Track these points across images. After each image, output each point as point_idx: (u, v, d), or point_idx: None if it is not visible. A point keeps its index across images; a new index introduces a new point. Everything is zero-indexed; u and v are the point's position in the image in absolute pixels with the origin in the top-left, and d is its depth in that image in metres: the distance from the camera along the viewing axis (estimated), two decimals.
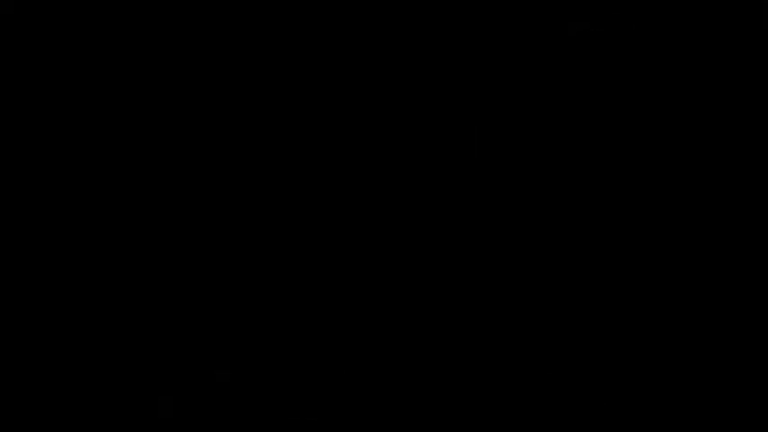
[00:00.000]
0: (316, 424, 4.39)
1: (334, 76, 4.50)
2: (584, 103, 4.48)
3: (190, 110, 4.46)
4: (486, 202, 4.45)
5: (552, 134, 4.48)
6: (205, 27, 4.47)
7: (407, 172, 4.47)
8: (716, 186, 4.42)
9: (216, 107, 4.47)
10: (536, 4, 4.48)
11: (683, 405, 4.36)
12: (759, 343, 4.37)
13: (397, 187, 4.47)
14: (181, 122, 4.45)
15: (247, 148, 4.46)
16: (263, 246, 4.44)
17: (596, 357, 4.39)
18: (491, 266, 4.44)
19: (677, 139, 4.45)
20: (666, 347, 4.39)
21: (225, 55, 4.47)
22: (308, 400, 4.41)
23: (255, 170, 4.46)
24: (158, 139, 4.44)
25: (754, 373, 4.35)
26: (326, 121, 4.49)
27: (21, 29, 4.45)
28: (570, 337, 4.41)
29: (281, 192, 4.46)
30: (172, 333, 4.41)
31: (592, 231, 4.43)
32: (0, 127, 4.42)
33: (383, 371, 4.41)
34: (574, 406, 4.38)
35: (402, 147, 4.48)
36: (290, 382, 4.42)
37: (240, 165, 4.46)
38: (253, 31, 4.49)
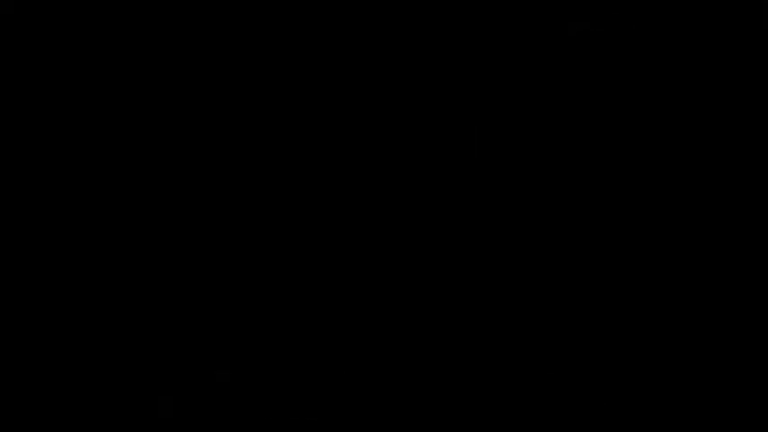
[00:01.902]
0: (316, 424, 4.39)
1: (334, 76, 4.50)
2: (584, 103, 4.48)
3: (190, 110, 4.46)
4: (485, 202, 4.45)
5: (552, 134, 4.48)
6: (205, 27, 4.47)
7: (408, 172, 4.47)
8: (716, 186, 4.42)
9: (216, 107, 4.47)
10: (536, 4, 4.48)
11: (682, 405, 4.36)
12: (759, 343, 4.37)
13: (398, 187, 4.47)
14: (181, 122, 4.45)
15: (247, 149, 4.46)
16: (262, 246, 4.44)
17: (596, 357, 4.39)
18: (491, 266, 4.44)
19: (677, 138, 4.45)
20: (666, 347, 4.39)
21: (225, 55, 4.47)
22: (308, 400, 4.41)
23: (255, 170, 4.46)
24: (158, 140, 4.44)
25: (754, 373, 4.36)
26: (327, 121, 4.49)
27: (21, 29, 4.45)
28: (570, 338, 4.41)
29: (280, 192, 4.46)
30: (172, 333, 4.41)
31: (592, 231, 4.43)
32: (0, 127, 4.42)
33: (383, 371, 4.41)
34: (574, 406, 4.38)
35: (402, 147, 4.48)
36: (289, 382, 4.42)
37: (240, 165, 4.46)
38: (253, 32, 4.49)
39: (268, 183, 4.45)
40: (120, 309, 4.40)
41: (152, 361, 4.40)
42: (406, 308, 4.42)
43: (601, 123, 4.47)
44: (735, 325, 4.38)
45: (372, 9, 4.49)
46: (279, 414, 4.40)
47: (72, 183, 4.41)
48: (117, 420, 4.36)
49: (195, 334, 4.42)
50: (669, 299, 4.40)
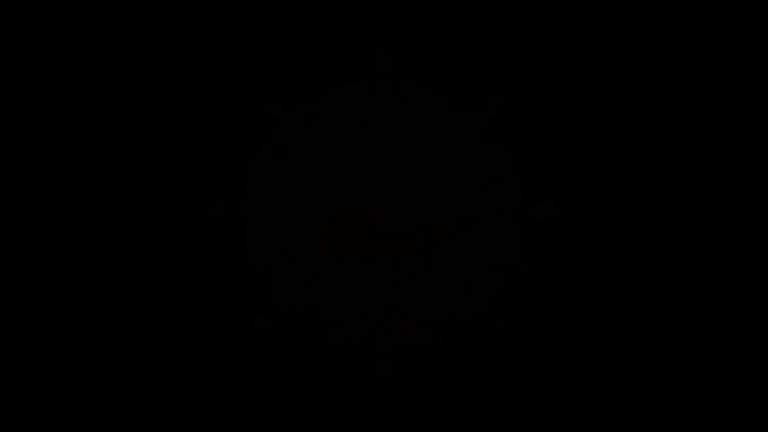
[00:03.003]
0: (316, 424, 4.39)
1: (334, 76, 4.50)
2: (584, 103, 4.48)
3: (190, 110, 4.46)
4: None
5: (552, 134, 4.48)
6: (205, 27, 4.47)
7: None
8: (716, 186, 4.43)
9: (215, 107, 4.47)
10: (536, 4, 4.48)
11: (683, 405, 4.36)
12: (759, 343, 4.37)
13: (398, 187, 4.47)
14: (181, 122, 4.45)
15: (246, 149, 4.47)
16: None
17: (597, 357, 4.40)
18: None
19: (677, 138, 4.45)
20: (667, 347, 4.39)
21: (225, 55, 4.47)
22: (308, 399, 4.41)
23: (254, 170, 4.46)
24: (158, 139, 4.44)
25: (754, 373, 4.36)
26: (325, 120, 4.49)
27: (20, 29, 4.45)
28: (571, 337, 4.41)
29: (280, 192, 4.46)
30: (172, 333, 4.41)
31: (591, 231, 4.43)
32: (0, 127, 4.43)
33: (382, 371, 4.41)
34: (574, 406, 4.38)
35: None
36: (289, 382, 4.42)
37: (239, 165, 4.46)
38: (253, 31, 4.49)
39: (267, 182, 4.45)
40: (120, 309, 4.40)
41: (152, 360, 4.41)
42: (406, 307, 4.42)
43: (601, 123, 4.47)
44: (735, 325, 4.38)
45: (372, 9, 4.49)
46: (279, 414, 4.40)
47: (72, 182, 4.41)
48: (117, 420, 4.36)
49: (195, 333, 4.42)
50: (669, 298, 4.40)
